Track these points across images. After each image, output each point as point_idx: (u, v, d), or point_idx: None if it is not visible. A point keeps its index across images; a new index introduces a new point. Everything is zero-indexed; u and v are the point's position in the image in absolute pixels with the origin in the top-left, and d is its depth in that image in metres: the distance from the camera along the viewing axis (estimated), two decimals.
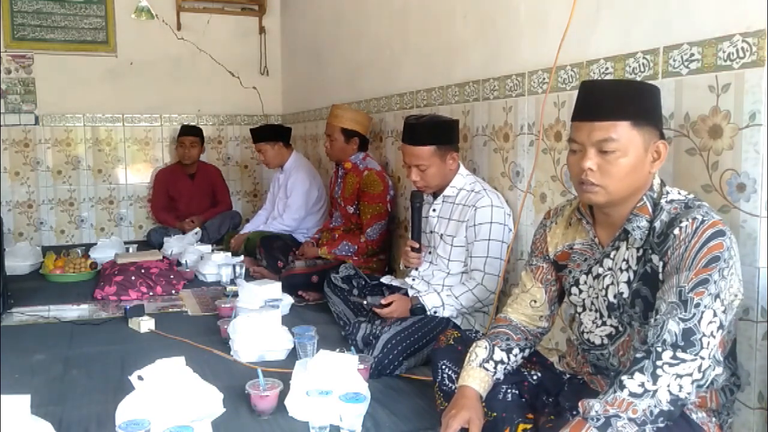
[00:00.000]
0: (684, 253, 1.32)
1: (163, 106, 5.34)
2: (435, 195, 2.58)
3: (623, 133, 1.38)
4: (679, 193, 1.44)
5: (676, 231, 1.34)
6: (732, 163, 1.54)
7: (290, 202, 4.15)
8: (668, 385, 1.25)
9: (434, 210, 2.58)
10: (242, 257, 3.85)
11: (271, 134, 4.25)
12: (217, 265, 3.71)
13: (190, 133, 5.05)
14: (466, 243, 2.45)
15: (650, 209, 1.43)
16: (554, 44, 2.08)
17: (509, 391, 1.62)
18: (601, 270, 1.52)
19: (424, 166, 2.46)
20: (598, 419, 1.26)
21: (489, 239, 2.37)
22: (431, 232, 2.59)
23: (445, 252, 2.51)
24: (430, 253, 2.61)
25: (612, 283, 1.49)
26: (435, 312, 2.39)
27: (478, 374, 1.59)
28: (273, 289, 2.89)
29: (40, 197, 5.13)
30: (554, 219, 1.69)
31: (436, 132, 2.47)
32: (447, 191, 2.53)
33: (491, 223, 2.38)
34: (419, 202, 2.57)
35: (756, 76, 1.48)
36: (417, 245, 2.59)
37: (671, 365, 1.25)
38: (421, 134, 2.46)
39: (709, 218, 1.33)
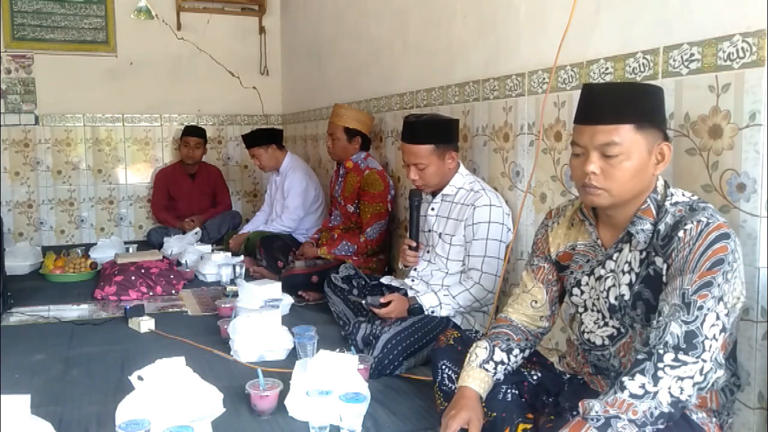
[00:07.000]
0: (688, 256, 1.31)
1: (163, 106, 5.34)
2: (434, 194, 2.58)
3: (626, 137, 1.37)
4: (683, 195, 1.43)
5: (681, 233, 1.33)
6: (732, 163, 1.54)
7: (288, 203, 4.15)
8: (669, 387, 1.25)
9: (433, 209, 2.58)
10: (242, 257, 3.85)
11: (264, 138, 4.23)
12: (217, 265, 3.72)
13: (195, 134, 5.05)
14: (465, 242, 2.45)
15: (654, 212, 1.42)
16: (554, 44, 2.08)
17: (509, 391, 1.62)
18: (603, 272, 1.52)
19: (423, 165, 2.46)
20: (597, 419, 1.26)
21: (487, 238, 2.37)
22: (429, 230, 2.59)
23: (444, 251, 2.51)
24: (428, 251, 2.61)
25: (613, 285, 1.49)
26: (432, 312, 2.39)
27: (478, 375, 1.59)
28: (273, 289, 2.89)
29: (40, 197, 5.13)
30: (556, 219, 1.69)
31: (434, 131, 2.47)
32: (446, 190, 2.53)
33: (489, 222, 2.37)
34: (418, 200, 2.57)
35: (756, 76, 1.48)
36: (414, 244, 2.59)
37: (672, 367, 1.25)
38: (420, 133, 2.46)
39: (714, 221, 1.32)
